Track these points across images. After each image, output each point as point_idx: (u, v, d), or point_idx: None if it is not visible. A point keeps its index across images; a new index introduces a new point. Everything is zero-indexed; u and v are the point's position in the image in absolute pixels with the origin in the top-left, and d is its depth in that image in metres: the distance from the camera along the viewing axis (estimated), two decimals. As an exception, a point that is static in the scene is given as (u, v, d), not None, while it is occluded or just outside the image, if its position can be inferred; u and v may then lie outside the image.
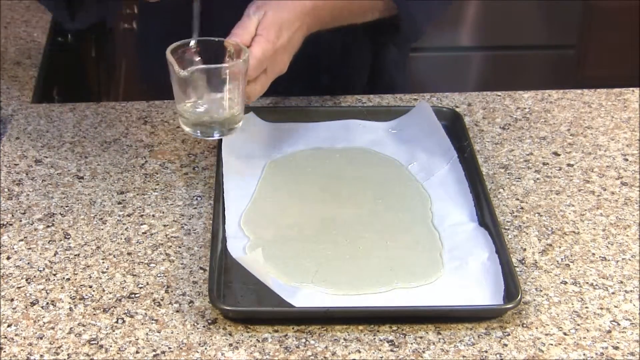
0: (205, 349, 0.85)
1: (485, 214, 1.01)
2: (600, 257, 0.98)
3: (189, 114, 1.01)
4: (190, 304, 0.91)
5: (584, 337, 0.87)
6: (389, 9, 1.17)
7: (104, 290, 0.93)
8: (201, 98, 1.00)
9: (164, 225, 1.02)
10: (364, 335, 0.87)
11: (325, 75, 1.30)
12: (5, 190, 1.07)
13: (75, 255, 0.97)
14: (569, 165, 1.13)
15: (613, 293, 0.93)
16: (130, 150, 1.15)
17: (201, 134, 1.02)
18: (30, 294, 0.92)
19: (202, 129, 1.02)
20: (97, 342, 0.86)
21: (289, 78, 1.05)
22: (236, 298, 0.91)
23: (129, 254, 0.98)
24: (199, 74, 0.98)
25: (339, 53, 1.30)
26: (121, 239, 1.00)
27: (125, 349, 0.85)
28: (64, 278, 0.94)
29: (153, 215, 1.03)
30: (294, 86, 1.22)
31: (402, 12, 1.17)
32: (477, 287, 0.92)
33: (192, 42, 1.00)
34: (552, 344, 0.86)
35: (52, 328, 0.88)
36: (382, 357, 0.85)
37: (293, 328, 0.88)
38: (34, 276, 0.94)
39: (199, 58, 1.00)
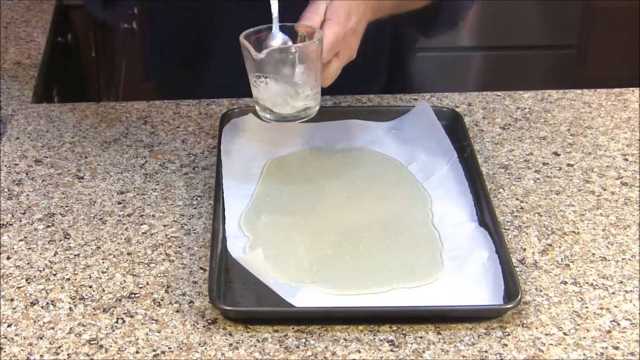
0: (205, 349, 0.85)
1: (485, 214, 1.01)
2: (600, 257, 0.98)
3: (265, 100, 1.00)
4: (190, 304, 0.91)
5: (584, 337, 0.87)
6: None
7: (104, 290, 0.93)
8: (277, 82, 0.98)
9: (164, 225, 1.02)
10: (364, 335, 0.87)
11: (345, 76, 1.31)
12: (5, 190, 1.07)
13: (75, 255, 0.97)
14: (569, 165, 1.13)
15: (613, 293, 0.93)
16: (130, 150, 1.15)
17: (278, 119, 1.01)
18: (30, 294, 0.92)
19: (279, 114, 1.00)
20: (97, 342, 0.86)
21: None
22: (236, 298, 0.91)
23: (129, 254, 0.98)
24: (274, 57, 0.97)
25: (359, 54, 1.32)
26: (121, 239, 1.00)
27: (125, 349, 0.85)
28: (64, 278, 0.94)
29: (153, 215, 1.03)
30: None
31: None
32: (477, 287, 0.92)
33: (265, 28, 0.99)
34: (552, 344, 0.86)
35: (52, 328, 0.88)
36: (382, 357, 0.85)
37: (293, 328, 0.88)
38: (34, 276, 0.94)
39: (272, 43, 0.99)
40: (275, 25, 1.00)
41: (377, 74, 1.36)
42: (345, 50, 1.02)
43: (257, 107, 1.02)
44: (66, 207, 1.05)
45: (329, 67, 1.01)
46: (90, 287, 0.93)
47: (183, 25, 1.33)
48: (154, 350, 0.85)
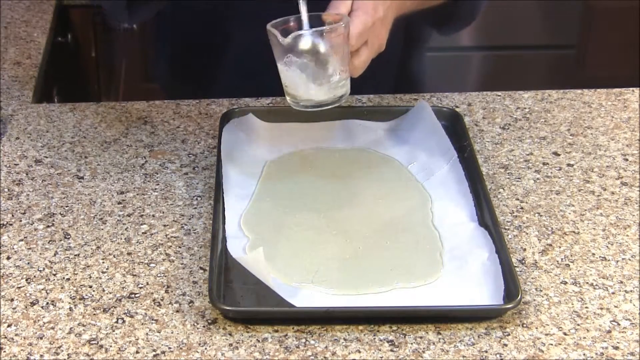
0: (205, 349, 0.85)
1: (485, 214, 1.01)
2: (600, 257, 0.98)
3: (293, 86, 0.99)
4: (190, 304, 0.91)
5: (584, 337, 0.87)
6: None
7: (104, 290, 0.93)
8: (305, 68, 0.98)
9: (164, 225, 1.02)
10: (364, 335, 0.87)
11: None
12: (5, 190, 1.07)
13: (75, 255, 0.97)
14: (569, 165, 1.13)
15: (613, 293, 0.93)
16: (130, 150, 1.15)
17: (307, 106, 1.01)
18: (30, 294, 0.92)
19: (308, 100, 1.00)
20: (97, 342, 0.86)
21: None
22: (236, 298, 0.91)
23: (129, 254, 0.98)
24: (301, 41, 0.96)
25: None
26: (121, 239, 1.00)
27: (125, 349, 0.85)
28: (64, 278, 0.94)
29: (153, 215, 1.03)
30: None
31: None
32: (477, 287, 0.92)
33: (293, 18, 0.99)
34: (552, 344, 0.86)
35: (52, 328, 0.88)
36: (382, 357, 0.85)
37: (293, 328, 0.88)
38: (34, 276, 0.94)
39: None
40: (305, 17, 0.99)
41: (388, 74, 1.36)
42: (375, 39, 1.02)
43: (286, 96, 1.01)
44: (66, 207, 1.05)
45: (359, 56, 1.00)
46: (90, 287, 0.93)
47: (191, 25, 1.33)
48: (154, 350, 0.85)
